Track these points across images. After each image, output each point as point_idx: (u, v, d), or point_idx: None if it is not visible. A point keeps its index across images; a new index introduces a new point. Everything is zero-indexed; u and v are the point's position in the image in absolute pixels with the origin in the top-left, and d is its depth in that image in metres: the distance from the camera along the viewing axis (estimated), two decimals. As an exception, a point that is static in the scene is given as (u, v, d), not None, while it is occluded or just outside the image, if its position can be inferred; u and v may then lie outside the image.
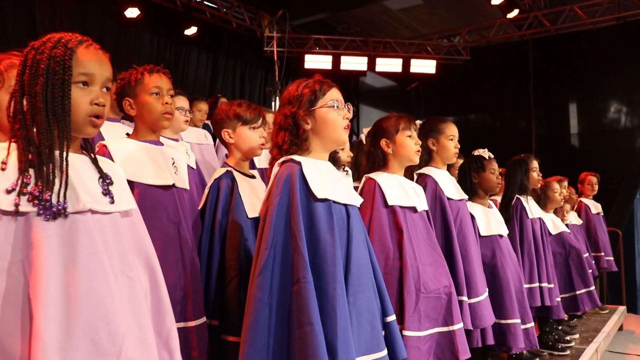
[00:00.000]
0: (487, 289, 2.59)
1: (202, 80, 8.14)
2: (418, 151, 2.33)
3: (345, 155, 2.83)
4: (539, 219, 3.71)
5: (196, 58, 8.02)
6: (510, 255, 2.98)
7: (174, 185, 1.97)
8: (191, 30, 7.38)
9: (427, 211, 2.38)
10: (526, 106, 8.58)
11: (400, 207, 2.23)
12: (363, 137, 2.46)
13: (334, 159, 1.86)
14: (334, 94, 1.79)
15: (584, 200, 5.70)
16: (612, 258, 5.76)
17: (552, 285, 3.54)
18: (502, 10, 7.60)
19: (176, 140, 3.42)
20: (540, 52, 8.48)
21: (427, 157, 2.68)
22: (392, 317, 1.78)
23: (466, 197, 2.72)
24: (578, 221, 5.39)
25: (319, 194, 1.65)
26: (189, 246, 1.96)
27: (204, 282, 2.05)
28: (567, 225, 4.86)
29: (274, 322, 1.57)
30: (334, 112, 1.77)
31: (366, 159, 2.38)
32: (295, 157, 1.71)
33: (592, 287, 4.03)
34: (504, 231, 3.01)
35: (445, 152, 2.67)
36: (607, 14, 7.83)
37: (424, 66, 8.51)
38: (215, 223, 2.10)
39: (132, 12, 6.60)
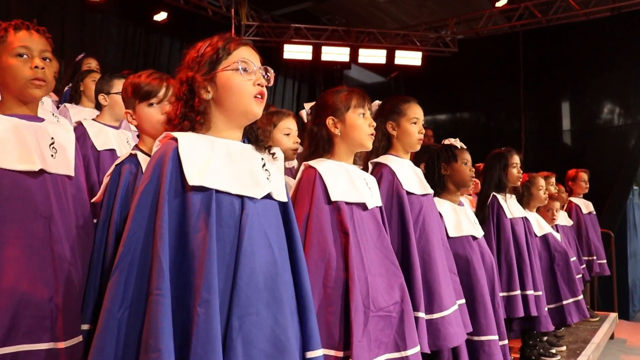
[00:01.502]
0: (456, 302, 2.18)
1: (175, 70, 7.71)
2: (372, 134, 1.92)
3: (291, 142, 2.42)
4: (523, 218, 3.31)
5: (168, 46, 7.61)
6: (485, 260, 2.56)
7: (44, 170, 1.55)
8: (160, 16, 6.96)
9: (380, 208, 1.97)
10: (516, 101, 8.18)
11: (347, 203, 1.80)
12: (304, 113, 2.04)
13: (256, 136, 1.45)
14: (243, 53, 1.39)
15: (574, 199, 5.30)
16: (605, 261, 5.37)
17: (539, 293, 3.13)
18: (491, -1, 7.23)
19: (117, 127, 3.02)
20: (531, 45, 8.08)
21: (386, 144, 2.26)
22: (315, 353, 1.36)
23: (431, 191, 2.30)
24: (568, 222, 5.00)
25: (193, 180, 1.24)
26: (64, 247, 1.54)
27: (97, 290, 1.62)
28: (556, 226, 4.47)
29: (124, 342, 1.18)
30: (239, 77, 1.36)
31: (307, 140, 1.96)
32: (176, 133, 1.31)
33: (580, 297, 3.62)
34: (478, 232, 2.60)
35: (407, 138, 2.25)
36: (601, 5, 7.44)
37: (409, 58, 8.10)
38: (111, 217, 1.68)
39: (95, -6, 6.17)
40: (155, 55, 7.42)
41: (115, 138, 2.88)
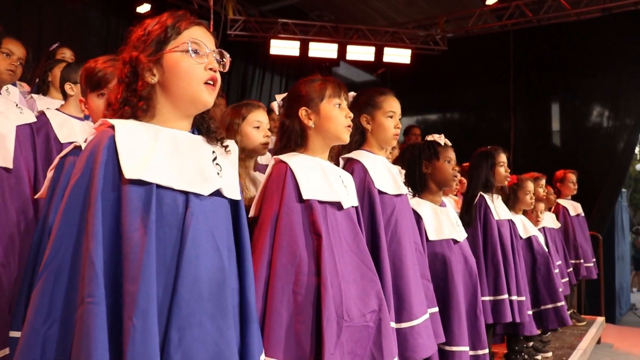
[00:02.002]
0: (428, 311, 2.04)
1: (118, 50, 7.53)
2: (349, 126, 1.77)
3: (262, 135, 2.26)
4: (509, 221, 3.18)
5: (152, 40, 7.43)
6: (467, 265, 2.43)
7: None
8: (144, 8, 6.78)
9: (356, 208, 1.82)
10: (505, 101, 8.07)
11: (320, 202, 1.66)
12: (275, 105, 1.90)
13: (207, 127, 1.30)
14: (194, 33, 1.24)
15: (562, 201, 5.18)
16: (592, 264, 5.27)
17: (522, 298, 3.00)
18: (481, -3, 7.10)
19: (81, 119, 2.87)
20: (522, 44, 7.97)
21: (359, 138, 2.12)
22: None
23: (406, 191, 2.16)
24: (555, 224, 4.89)
25: (130, 173, 1.09)
26: (-4, 247, 1.38)
27: (25, 292, 1.46)
28: (543, 228, 4.36)
29: None
30: (189, 59, 1.22)
31: (279, 133, 1.82)
32: (114, 120, 1.16)
33: (560, 303, 3.49)
34: (460, 235, 2.47)
35: (382, 133, 2.10)
36: (592, 5, 7.35)
37: (397, 55, 7.96)
38: (48, 213, 1.53)
39: (74, -16, 6.00)
40: (138, 49, 7.23)
41: (80, 130, 2.73)
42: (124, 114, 1.19)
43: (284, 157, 1.71)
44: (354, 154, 2.08)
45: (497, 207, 3.01)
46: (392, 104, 2.10)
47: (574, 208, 5.19)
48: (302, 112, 1.75)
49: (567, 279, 4.68)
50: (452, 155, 2.47)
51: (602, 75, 7.44)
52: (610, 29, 7.31)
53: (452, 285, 2.27)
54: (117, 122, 1.14)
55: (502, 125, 8.19)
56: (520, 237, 3.46)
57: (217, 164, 1.24)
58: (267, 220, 1.61)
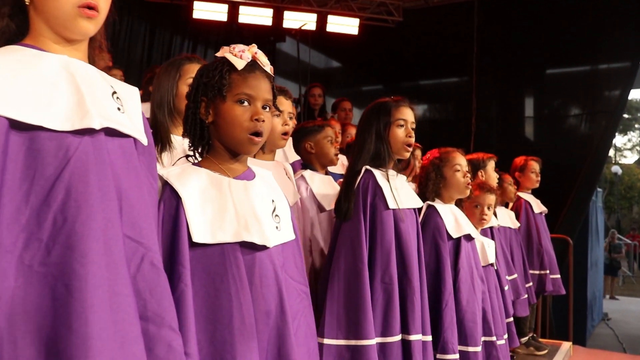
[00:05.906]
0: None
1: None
2: None
3: None
4: (414, 210, 2.02)
5: None
6: (280, 293, 1.24)
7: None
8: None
9: None
10: (467, 82, 6.99)
11: None
12: None
13: None
14: None
15: (524, 195, 4.05)
16: (559, 276, 4.17)
17: (428, 338, 1.85)
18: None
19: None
20: (488, 17, 6.87)
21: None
22: None
23: (113, 123, 0.93)
24: (514, 224, 3.78)
25: None
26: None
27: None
28: (491, 229, 3.22)
29: None
30: None
31: None
32: None
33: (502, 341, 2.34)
34: (267, 236, 1.15)
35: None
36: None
37: (344, 25, 6.81)
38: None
39: None
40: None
41: None
42: None
43: None
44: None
45: (396, 190, 1.82)
46: None
47: (537, 205, 4.08)
48: None
49: (525, 296, 3.59)
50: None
51: (580, 55, 6.44)
52: (589, 3, 6.29)
53: (240, 335, 1.09)
54: None
55: (462, 111, 7.10)
56: (451, 238, 2.31)
57: None
58: None
